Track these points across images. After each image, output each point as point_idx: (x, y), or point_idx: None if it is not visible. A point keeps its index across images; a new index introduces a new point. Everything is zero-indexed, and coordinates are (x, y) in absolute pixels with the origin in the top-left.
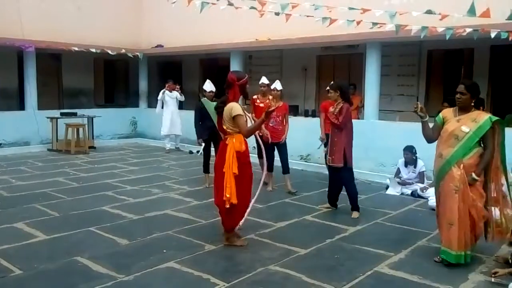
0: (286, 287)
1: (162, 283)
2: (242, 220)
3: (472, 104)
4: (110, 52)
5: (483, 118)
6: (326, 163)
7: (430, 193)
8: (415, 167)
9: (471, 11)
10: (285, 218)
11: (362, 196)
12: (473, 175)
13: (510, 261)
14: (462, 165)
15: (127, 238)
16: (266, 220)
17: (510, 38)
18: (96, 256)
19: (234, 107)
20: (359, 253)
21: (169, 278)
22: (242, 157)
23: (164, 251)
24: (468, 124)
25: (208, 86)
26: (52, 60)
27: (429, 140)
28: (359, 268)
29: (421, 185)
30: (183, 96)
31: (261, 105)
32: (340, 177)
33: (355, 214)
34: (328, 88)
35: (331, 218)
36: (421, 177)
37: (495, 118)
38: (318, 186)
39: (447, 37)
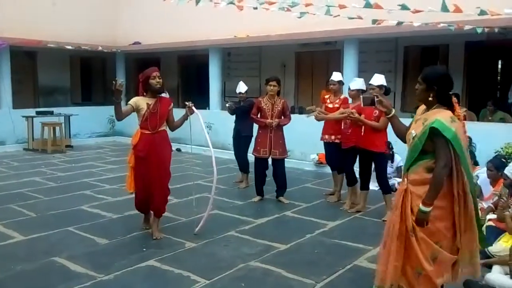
0: (266, 283)
1: (143, 281)
2: (198, 227)
3: (430, 98)
4: (88, 48)
5: (432, 119)
6: (262, 156)
7: None
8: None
9: (444, 9)
10: (265, 215)
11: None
12: (421, 206)
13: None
14: (406, 179)
15: (107, 237)
16: (246, 217)
17: (486, 30)
18: (75, 256)
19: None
20: (339, 247)
21: (149, 277)
22: (134, 151)
23: (144, 249)
24: (419, 126)
25: (241, 87)
26: (27, 58)
27: (401, 139)
28: (338, 262)
29: (399, 180)
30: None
31: (330, 105)
32: (279, 167)
33: (285, 200)
34: (272, 80)
35: (311, 214)
36: (398, 171)
37: (440, 120)
38: (297, 182)
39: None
